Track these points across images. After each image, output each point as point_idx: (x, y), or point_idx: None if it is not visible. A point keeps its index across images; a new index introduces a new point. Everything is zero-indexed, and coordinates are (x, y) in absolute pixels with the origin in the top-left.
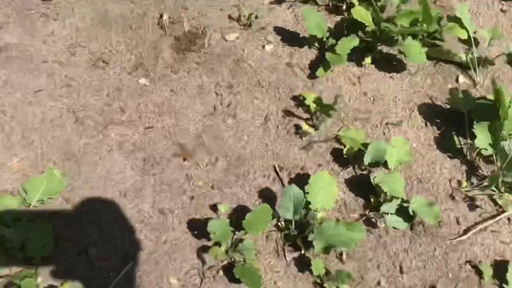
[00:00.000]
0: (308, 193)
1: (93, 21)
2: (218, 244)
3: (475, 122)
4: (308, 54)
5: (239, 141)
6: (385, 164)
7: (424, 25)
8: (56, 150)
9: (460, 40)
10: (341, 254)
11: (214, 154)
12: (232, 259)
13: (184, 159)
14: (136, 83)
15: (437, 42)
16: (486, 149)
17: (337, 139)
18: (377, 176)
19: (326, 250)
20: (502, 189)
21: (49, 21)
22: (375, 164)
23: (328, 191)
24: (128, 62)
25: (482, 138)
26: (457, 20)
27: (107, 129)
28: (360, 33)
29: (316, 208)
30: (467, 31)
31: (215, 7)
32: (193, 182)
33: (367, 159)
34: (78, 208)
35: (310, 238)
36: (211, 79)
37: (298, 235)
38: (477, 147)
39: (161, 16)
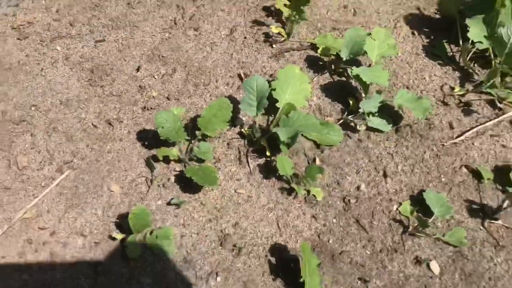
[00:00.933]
0: (275, 89)
1: None
2: (168, 143)
3: (467, 19)
4: None
5: (200, 52)
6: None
7: None
8: None
9: None
10: (314, 160)
11: (171, 65)
12: (187, 167)
13: (138, 69)
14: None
15: None
16: (481, 42)
17: (312, 48)
18: (356, 69)
19: (293, 139)
20: (502, 88)
21: None
22: (354, 61)
23: (298, 88)
24: None
25: (476, 30)
26: None
27: (53, 43)
28: None
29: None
30: None
31: None
32: (146, 92)
33: (344, 53)
34: (11, 117)
35: (274, 130)
36: None
37: (262, 136)
38: (471, 48)
39: None
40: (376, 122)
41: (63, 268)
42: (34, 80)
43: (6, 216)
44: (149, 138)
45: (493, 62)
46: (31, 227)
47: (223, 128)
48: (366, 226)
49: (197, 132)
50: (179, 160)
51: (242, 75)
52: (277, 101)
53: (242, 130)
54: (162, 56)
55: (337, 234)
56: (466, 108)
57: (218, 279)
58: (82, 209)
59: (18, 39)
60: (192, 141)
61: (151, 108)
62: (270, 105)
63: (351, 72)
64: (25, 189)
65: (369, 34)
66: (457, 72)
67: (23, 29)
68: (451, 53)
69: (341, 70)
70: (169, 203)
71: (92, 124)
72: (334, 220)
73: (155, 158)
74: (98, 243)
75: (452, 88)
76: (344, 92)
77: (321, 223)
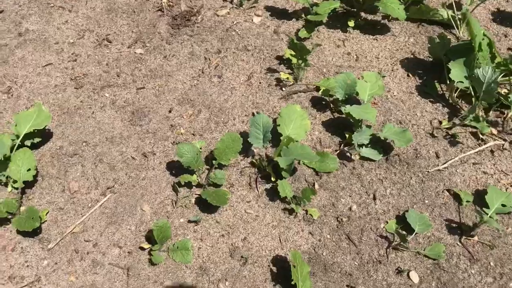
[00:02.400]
0: (279, 125)
1: (102, 10)
2: (190, 171)
3: (450, 62)
4: (295, 24)
5: (222, 96)
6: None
7: None
8: (54, 108)
9: (443, 4)
10: (313, 185)
11: (198, 107)
12: (205, 190)
13: (170, 111)
14: (133, 54)
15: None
16: (462, 82)
17: (317, 90)
18: (348, 107)
19: (290, 166)
20: (483, 121)
21: (64, 12)
22: (349, 100)
23: (299, 124)
24: (128, 39)
25: (457, 72)
26: None
27: (103, 90)
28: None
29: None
30: None
31: None
32: (176, 130)
33: (339, 93)
34: (66, 151)
35: (276, 158)
36: (201, 47)
37: (268, 164)
38: (456, 87)
39: (161, 0)
40: (368, 152)
41: (103, 273)
42: (86, 121)
43: (59, 231)
44: (176, 167)
45: (473, 99)
46: (78, 240)
47: (235, 158)
48: (356, 241)
49: (213, 161)
50: (199, 185)
51: (255, 114)
52: (281, 135)
53: (253, 160)
54: (190, 100)
55: (330, 248)
56: (452, 140)
57: (227, 283)
58: (119, 226)
59: (75, 88)
60: (211, 169)
61: (179, 142)
62: (277, 139)
63: (344, 110)
64: (74, 209)
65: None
66: (446, 108)
67: (79, 80)
68: (441, 92)
69: (339, 108)
70: (189, 221)
71: (131, 157)
72: (328, 236)
73: (180, 184)
74: (130, 252)
75: (440, 122)
76: (341, 127)
77: (317, 238)
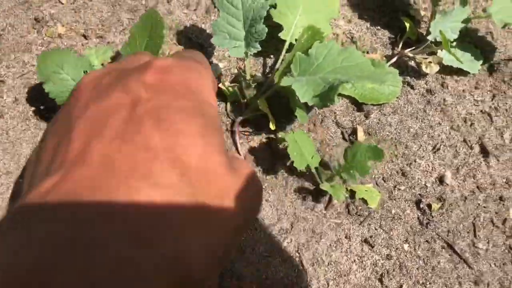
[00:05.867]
0: (275, 6)
1: None
2: None
3: None
4: None
5: None
6: None
7: None
8: None
9: None
10: (353, 132)
11: None
12: None
13: None
14: None
15: None
16: None
17: None
18: None
19: (326, 98)
20: None
21: None
22: None
23: (318, 3)
24: None
25: None
26: None
27: None
28: None
29: (295, 40)
30: None
31: None
32: (46, 28)
33: None
34: None
35: (284, 81)
36: None
37: (261, 94)
38: None
39: None
40: (457, 57)
41: None
42: None
43: None
44: (50, 108)
45: None
46: None
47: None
48: (467, 254)
49: None
50: None
51: None
52: (280, 28)
53: (221, 85)
54: None
55: (414, 275)
56: None
57: None
58: None
59: None
60: None
61: (53, 52)
62: (267, 38)
63: None
64: None
65: None
66: None
67: None
68: None
69: None
70: None
71: None
72: (406, 247)
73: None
74: None
75: None
76: (389, 9)
77: (383, 253)
